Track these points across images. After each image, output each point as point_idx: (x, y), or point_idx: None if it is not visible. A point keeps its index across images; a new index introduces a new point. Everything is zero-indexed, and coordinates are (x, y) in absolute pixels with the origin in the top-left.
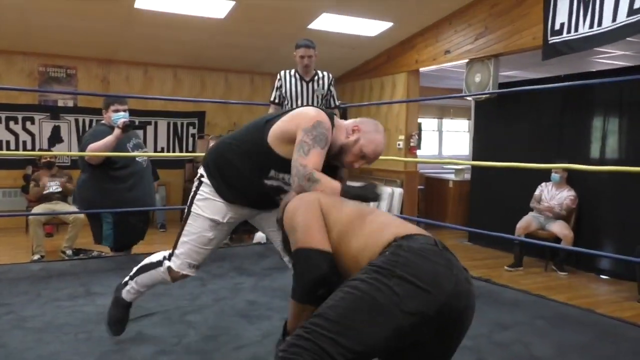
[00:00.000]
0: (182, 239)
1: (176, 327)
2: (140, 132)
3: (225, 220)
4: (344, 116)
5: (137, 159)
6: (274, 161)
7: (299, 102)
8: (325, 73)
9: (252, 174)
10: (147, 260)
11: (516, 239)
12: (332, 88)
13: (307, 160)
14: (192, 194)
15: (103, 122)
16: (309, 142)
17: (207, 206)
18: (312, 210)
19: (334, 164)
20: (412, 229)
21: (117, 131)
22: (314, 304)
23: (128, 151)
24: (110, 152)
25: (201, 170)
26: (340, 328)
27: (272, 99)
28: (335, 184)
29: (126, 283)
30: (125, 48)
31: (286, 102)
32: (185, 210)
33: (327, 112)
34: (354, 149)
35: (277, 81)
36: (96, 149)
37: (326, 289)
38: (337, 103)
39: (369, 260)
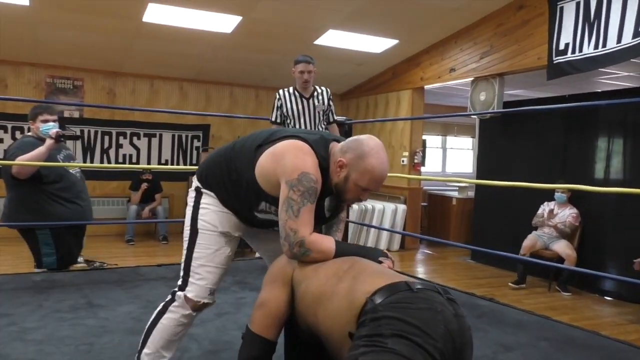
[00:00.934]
0: (195, 262)
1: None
2: (78, 143)
3: (237, 234)
4: (349, 133)
5: (70, 171)
6: (264, 196)
7: (302, 121)
8: (323, 88)
9: (244, 201)
10: (151, 319)
11: (520, 259)
12: (331, 102)
13: (298, 223)
14: (191, 210)
15: (30, 134)
16: (297, 200)
17: (215, 219)
18: (277, 289)
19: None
20: (384, 279)
21: (49, 142)
22: None
23: (59, 163)
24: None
25: (197, 182)
26: None
27: (272, 119)
28: (328, 249)
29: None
30: (132, 61)
31: (289, 121)
32: (189, 230)
33: (316, 141)
34: (348, 187)
35: (276, 100)
36: (27, 160)
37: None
38: (336, 118)
39: (347, 325)
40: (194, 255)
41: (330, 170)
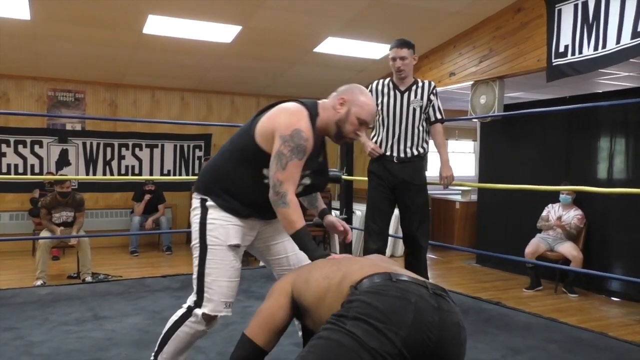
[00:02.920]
0: (208, 278)
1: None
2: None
3: (243, 243)
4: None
5: None
6: (266, 159)
7: (392, 116)
8: (426, 82)
9: (251, 178)
10: (166, 327)
11: (527, 261)
12: (432, 97)
13: (285, 175)
14: (198, 226)
15: None
16: (287, 154)
17: (223, 233)
18: (273, 299)
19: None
20: (367, 270)
21: None
22: None
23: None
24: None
25: (199, 195)
26: None
27: None
28: (298, 220)
29: None
30: (133, 72)
31: (377, 117)
32: (198, 247)
33: (309, 103)
34: (349, 120)
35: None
36: None
37: None
38: (439, 116)
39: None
40: (206, 271)
41: (325, 117)
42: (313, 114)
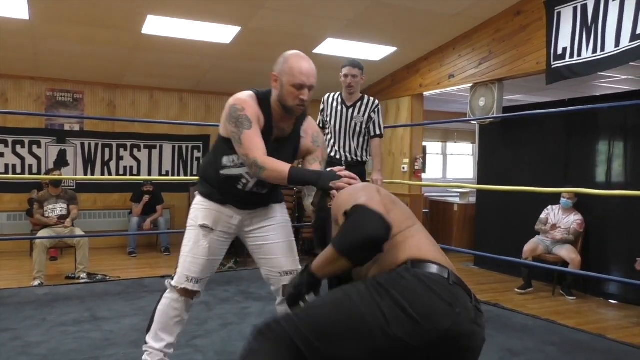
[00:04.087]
0: (181, 255)
1: (184, 352)
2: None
3: (217, 228)
4: None
5: None
6: (226, 147)
7: (337, 128)
8: (372, 99)
9: (216, 166)
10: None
11: (523, 263)
12: (373, 115)
13: (245, 148)
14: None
15: None
16: (235, 130)
17: (197, 215)
18: (376, 197)
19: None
20: (432, 254)
21: None
22: (351, 261)
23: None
24: None
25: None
26: (319, 332)
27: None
28: (281, 169)
29: (146, 344)
30: (132, 73)
31: (327, 127)
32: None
33: (263, 90)
34: (285, 91)
35: (321, 104)
36: None
37: (371, 253)
38: (378, 132)
39: (383, 269)
40: (182, 250)
41: (272, 100)
42: (262, 97)
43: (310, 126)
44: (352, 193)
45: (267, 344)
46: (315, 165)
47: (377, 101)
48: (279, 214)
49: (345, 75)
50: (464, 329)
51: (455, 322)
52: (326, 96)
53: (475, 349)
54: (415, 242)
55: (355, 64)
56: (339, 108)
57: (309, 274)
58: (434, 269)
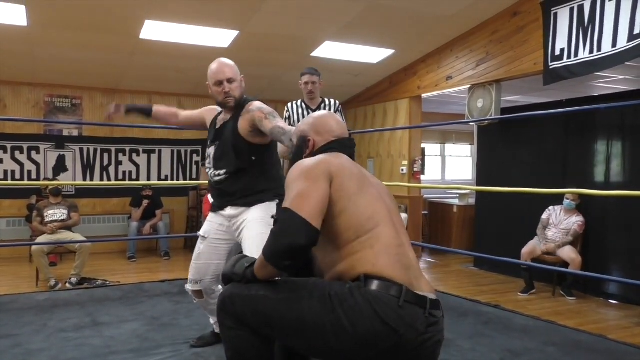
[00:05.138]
0: None
1: (185, 358)
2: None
3: (209, 236)
4: None
5: None
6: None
7: None
8: (332, 100)
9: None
10: None
11: (523, 264)
12: (336, 114)
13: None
14: None
15: None
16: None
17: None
18: (322, 183)
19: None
20: (388, 268)
21: None
22: (277, 269)
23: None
24: None
25: None
26: (266, 322)
27: None
28: None
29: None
30: (130, 77)
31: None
32: None
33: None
34: (212, 92)
35: (285, 112)
36: None
37: (294, 263)
38: None
39: (337, 276)
40: None
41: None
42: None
43: (246, 109)
44: (295, 178)
45: (229, 320)
46: (266, 122)
47: (337, 102)
48: (252, 213)
49: (306, 83)
50: (409, 346)
51: (397, 344)
52: (289, 104)
53: (428, 352)
54: (373, 255)
55: (313, 72)
56: (305, 113)
57: (251, 274)
58: (385, 287)
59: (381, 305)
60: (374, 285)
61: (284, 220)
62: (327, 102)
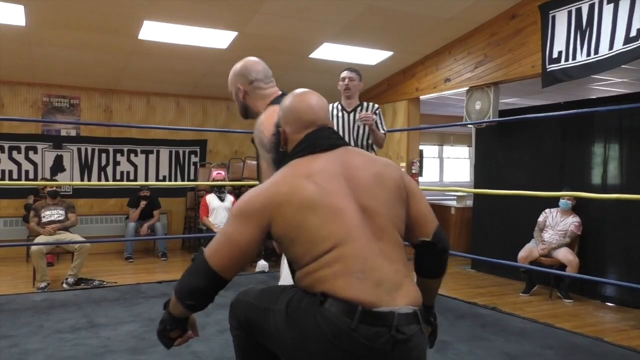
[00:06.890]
0: None
1: (184, 359)
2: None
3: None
4: None
5: None
6: None
7: (341, 134)
8: (370, 104)
9: None
10: None
11: (521, 266)
12: (374, 116)
13: None
14: None
15: None
16: None
17: None
18: (251, 228)
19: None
20: (349, 289)
21: None
22: (184, 307)
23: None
24: None
25: None
26: (250, 325)
27: None
28: None
29: None
30: (128, 78)
31: None
32: None
33: None
34: None
35: None
36: None
37: (197, 304)
38: (382, 131)
39: (306, 281)
40: None
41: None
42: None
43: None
44: (232, 212)
45: (233, 322)
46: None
47: (377, 105)
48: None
49: (343, 79)
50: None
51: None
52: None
53: None
54: (331, 274)
55: (352, 69)
56: (340, 115)
57: (167, 312)
58: (338, 308)
59: (332, 327)
60: (328, 304)
61: (197, 262)
62: (364, 106)
